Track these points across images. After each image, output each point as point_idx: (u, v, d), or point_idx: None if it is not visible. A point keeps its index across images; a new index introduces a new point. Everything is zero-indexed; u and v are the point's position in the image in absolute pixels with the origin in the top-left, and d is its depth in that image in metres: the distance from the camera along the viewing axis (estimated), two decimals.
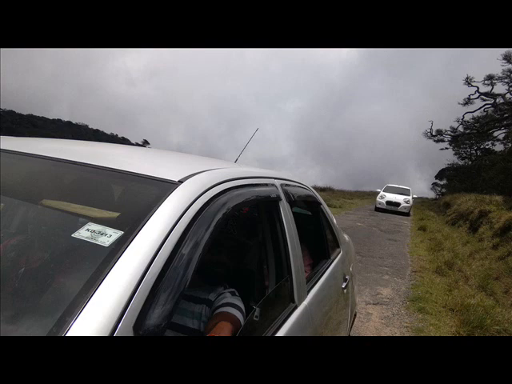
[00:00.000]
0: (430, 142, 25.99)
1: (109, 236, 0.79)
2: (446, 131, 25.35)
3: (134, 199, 0.98)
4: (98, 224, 0.83)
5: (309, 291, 1.56)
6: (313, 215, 2.25)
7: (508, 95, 21.49)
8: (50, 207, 0.98)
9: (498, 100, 22.01)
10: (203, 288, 1.42)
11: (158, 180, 0.98)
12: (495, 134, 23.54)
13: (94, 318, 0.63)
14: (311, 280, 1.69)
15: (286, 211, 1.49)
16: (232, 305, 1.31)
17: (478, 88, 22.61)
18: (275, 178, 1.57)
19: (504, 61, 19.75)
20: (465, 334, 3.66)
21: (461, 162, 30.56)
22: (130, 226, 0.80)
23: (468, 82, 22.69)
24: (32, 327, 0.67)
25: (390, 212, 16.60)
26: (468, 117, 23.96)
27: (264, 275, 1.63)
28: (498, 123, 22.16)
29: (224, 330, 1.18)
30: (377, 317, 4.05)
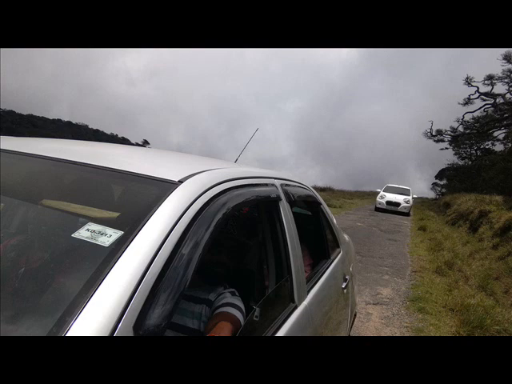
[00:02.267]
0: (430, 141, 26.02)
1: (109, 236, 0.79)
2: (446, 131, 25.35)
3: (134, 199, 0.98)
4: (98, 224, 0.83)
5: (309, 291, 1.56)
6: (313, 215, 2.25)
7: (508, 95, 21.50)
8: (50, 207, 0.98)
9: (498, 100, 22.01)
10: (203, 288, 1.42)
11: (158, 180, 0.98)
12: (495, 134, 23.57)
13: (94, 318, 0.63)
14: (311, 280, 1.69)
15: (286, 211, 1.49)
16: (232, 305, 1.31)
17: (478, 88, 22.62)
18: (275, 178, 1.57)
19: (504, 61, 19.76)
20: (465, 334, 3.66)
21: (461, 162, 30.57)
22: (130, 226, 0.80)
23: (468, 82, 22.68)
24: (32, 327, 0.67)
25: (389, 212, 16.60)
26: (468, 117, 23.99)
27: (264, 275, 1.63)
28: (498, 123, 22.15)
29: (224, 330, 1.18)
30: (377, 317, 4.05)
